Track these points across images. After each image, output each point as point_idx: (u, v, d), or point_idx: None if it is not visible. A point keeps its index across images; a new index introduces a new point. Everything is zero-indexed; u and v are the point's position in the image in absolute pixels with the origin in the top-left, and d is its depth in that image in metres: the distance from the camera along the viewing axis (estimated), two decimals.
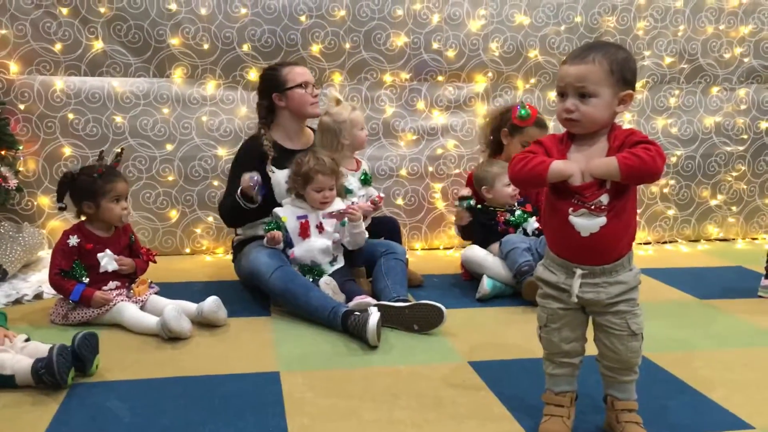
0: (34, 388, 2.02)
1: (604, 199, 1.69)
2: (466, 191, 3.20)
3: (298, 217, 2.86)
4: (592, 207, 1.69)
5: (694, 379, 2.20)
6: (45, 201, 3.43)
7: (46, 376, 1.99)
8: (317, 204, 2.85)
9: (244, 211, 2.88)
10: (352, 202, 2.95)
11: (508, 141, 3.28)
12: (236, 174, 2.93)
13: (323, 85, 3.58)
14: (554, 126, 3.64)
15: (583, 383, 1.89)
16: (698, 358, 2.39)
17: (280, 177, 2.97)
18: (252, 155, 3.00)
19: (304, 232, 2.84)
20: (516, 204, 3.16)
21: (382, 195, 3.12)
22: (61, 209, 2.68)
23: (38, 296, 2.87)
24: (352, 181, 3.06)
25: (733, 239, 4.23)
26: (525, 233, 3.11)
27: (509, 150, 3.25)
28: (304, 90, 3.04)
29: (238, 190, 2.85)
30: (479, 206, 3.17)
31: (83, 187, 2.62)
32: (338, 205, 2.90)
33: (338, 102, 3.10)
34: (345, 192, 3.01)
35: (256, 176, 2.79)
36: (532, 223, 3.10)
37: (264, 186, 2.84)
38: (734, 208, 4.20)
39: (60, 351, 2.01)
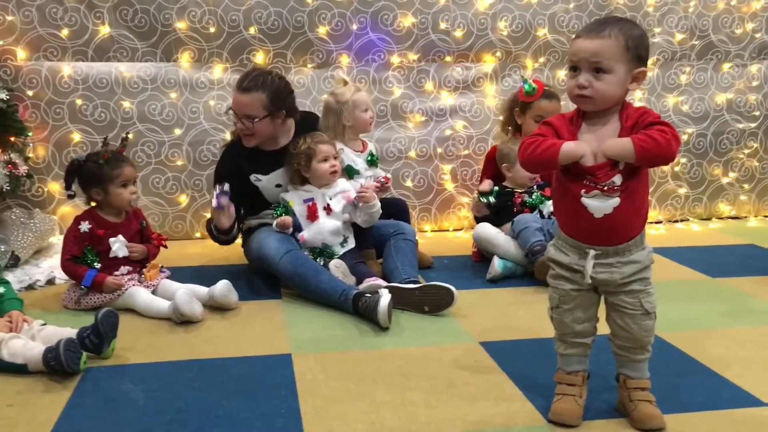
0: (48, 373, 2.03)
1: (617, 179, 1.67)
2: (486, 185, 3.18)
3: (305, 201, 2.87)
4: (605, 188, 1.68)
5: (707, 357, 2.20)
6: (55, 187, 3.44)
7: (57, 366, 2.01)
8: (327, 175, 2.84)
9: (223, 240, 2.89)
10: (360, 185, 2.92)
11: (522, 120, 3.27)
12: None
13: (330, 67, 3.57)
14: (565, 105, 3.61)
15: (595, 362, 1.89)
16: (711, 337, 2.38)
17: (267, 183, 2.95)
18: (229, 166, 2.94)
19: (312, 215, 2.84)
20: (536, 187, 3.14)
21: (388, 176, 3.11)
22: (70, 197, 2.69)
23: (51, 282, 2.89)
24: (358, 162, 3.05)
25: (745, 217, 4.20)
26: (541, 215, 3.09)
27: (525, 128, 3.24)
28: (237, 122, 2.88)
29: (212, 223, 2.84)
30: (497, 188, 3.16)
31: (90, 174, 2.62)
32: (343, 185, 2.90)
33: (345, 83, 3.08)
34: (352, 173, 3.00)
35: (219, 197, 2.68)
36: (549, 206, 3.08)
37: (229, 193, 2.71)
38: (746, 186, 4.17)
39: (67, 345, 2.01)
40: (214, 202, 2.73)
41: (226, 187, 2.71)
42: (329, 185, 2.88)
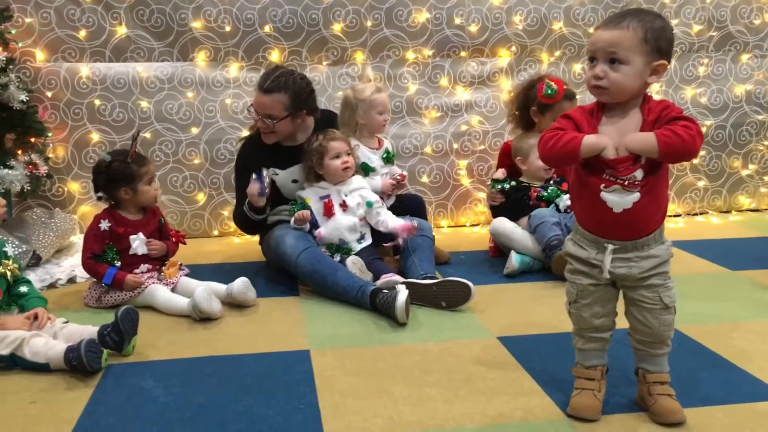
0: (70, 371, 2.06)
1: (639, 174, 1.66)
2: (500, 173, 3.19)
3: (321, 197, 2.88)
4: (626, 183, 1.66)
5: (727, 350, 2.18)
6: (75, 187, 3.48)
7: (78, 366, 2.04)
8: (339, 172, 2.85)
9: (258, 221, 2.89)
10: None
11: (539, 119, 3.23)
12: (241, 182, 2.93)
13: (345, 64, 3.58)
14: (582, 99, 3.59)
15: (613, 356, 1.88)
16: (732, 330, 2.36)
17: (284, 178, 2.97)
18: (251, 159, 2.93)
19: (329, 211, 2.85)
20: (553, 182, 3.13)
21: (404, 173, 3.12)
22: (101, 199, 2.71)
23: (72, 280, 2.93)
24: (374, 160, 3.06)
25: (765, 209, 4.15)
26: (557, 209, 3.07)
27: (541, 126, 3.20)
28: (257, 120, 2.90)
29: (246, 203, 2.84)
30: (513, 182, 3.16)
31: (120, 174, 2.64)
32: (359, 182, 2.90)
33: (369, 81, 3.09)
34: (367, 170, 3.01)
35: (258, 183, 2.73)
36: (566, 200, 3.06)
37: (268, 182, 2.78)
38: (766, 178, 4.11)
39: (88, 347, 2.04)
40: (258, 189, 2.74)
41: (264, 172, 2.75)
42: (344, 182, 2.89)
